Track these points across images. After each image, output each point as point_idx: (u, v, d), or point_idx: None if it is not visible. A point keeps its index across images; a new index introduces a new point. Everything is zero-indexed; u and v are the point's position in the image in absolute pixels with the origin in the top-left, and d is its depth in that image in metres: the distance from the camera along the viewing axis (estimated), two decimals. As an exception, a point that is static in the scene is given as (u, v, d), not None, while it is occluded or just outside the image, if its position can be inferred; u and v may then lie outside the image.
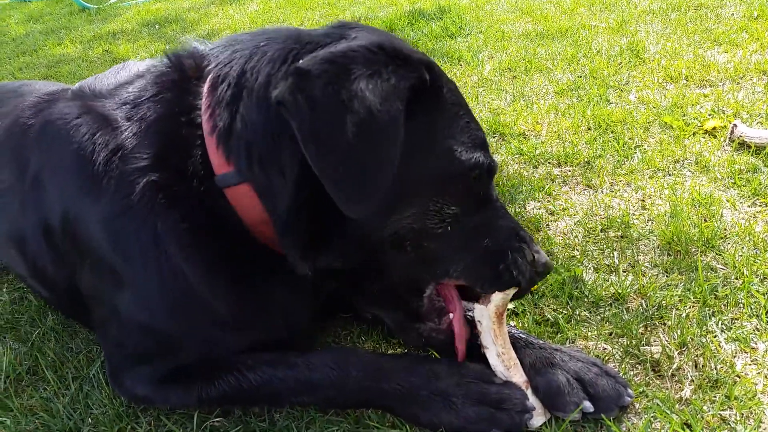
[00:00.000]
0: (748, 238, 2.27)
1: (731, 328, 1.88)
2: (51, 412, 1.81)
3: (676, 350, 1.81)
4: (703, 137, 3.08)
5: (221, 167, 1.53)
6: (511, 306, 2.04)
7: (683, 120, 3.24)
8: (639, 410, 1.64)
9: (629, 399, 1.62)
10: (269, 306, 1.72)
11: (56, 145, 1.74)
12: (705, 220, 2.41)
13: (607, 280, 2.15)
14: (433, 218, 1.50)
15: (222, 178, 1.53)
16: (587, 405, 1.59)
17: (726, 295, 2.00)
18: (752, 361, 1.77)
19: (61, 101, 1.87)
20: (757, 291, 2.00)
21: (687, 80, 3.77)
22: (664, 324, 1.93)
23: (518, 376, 1.63)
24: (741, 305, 1.96)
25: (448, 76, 1.61)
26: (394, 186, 1.36)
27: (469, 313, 1.73)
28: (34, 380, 1.97)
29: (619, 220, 2.47)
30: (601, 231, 2.44)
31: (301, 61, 1.42)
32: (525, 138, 3.28)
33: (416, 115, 1.42)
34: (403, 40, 1.64)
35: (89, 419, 1.77)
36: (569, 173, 2.89)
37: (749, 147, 2.88)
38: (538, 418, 1.60)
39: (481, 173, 1.54)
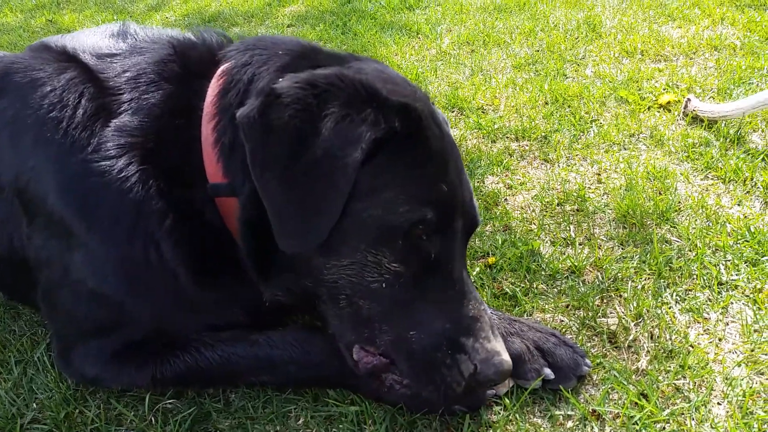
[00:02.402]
0: (701, 211, 2.30)
1: (685, 299, 1.90)
2: (-7, 398, 1.72)
3: (632, 322, 1.83)
4: (658, 111, 3.11)
5: (215, 177, 1.51)
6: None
7: (639, 94, 3.27)
8: (596, 381, 1.65)
9: (587, 369, 1.64)
10: (233, 301, 1.67)
11: (21, 87, 1.62)
12: (660, 194, 2.44)
13: (564, 253, 2.16)
14: (372, 271, 1.39)
15: (215, 188, 1.51)
16: (547, 372, 1.60)
17: (680, 267, 2.03)
18: (704, 330, 1.80)
19: (37, 50, 1.74)
20: (710, 262, 2.03)
21: (642, 55, 3.80)
22: (620, 296, 1.94)
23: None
24: (694, 277, 1.99)
25: (434, 115, 1.50)
26: (336, 229, 1.35)
27: None
28: (-26, 365, 1.88)
29: (575, 194, 2.48)
30: (558, 205, 2.45)
31: (280, 80, 1.40)
32: (483, 112, 3.27)
33: (372, 160, 1.35)
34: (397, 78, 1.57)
35: (34, 404, 1.69)
36: (527, 148, 2.89)
37: (702, 121, 2.92)
38: (501, 388, 1.60)
39: (426, 232, 1.39)
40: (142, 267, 1.55)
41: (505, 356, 1.42)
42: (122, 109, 1.56)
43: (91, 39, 1.76)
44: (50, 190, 1.56)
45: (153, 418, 1.62)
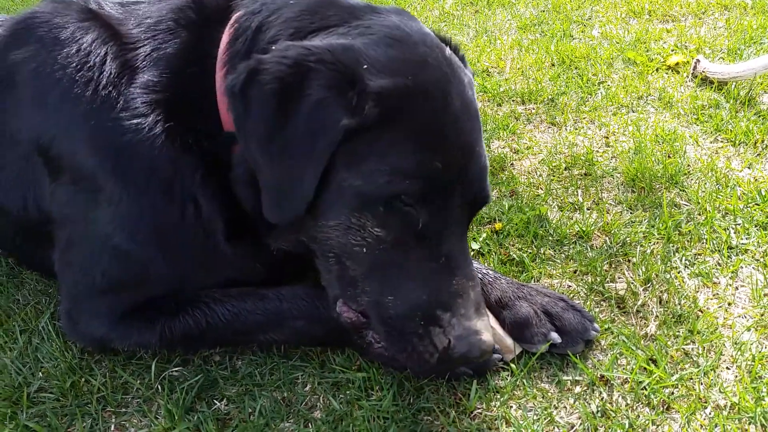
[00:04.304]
0: (710, 174, 2.27)
1: (694, 264, 1.88)
2: (-1, 367, 1.72)
3: (641, 287, 1.81)
4: (666, 73, 3.05)
5: (229, 125, 1.50)
6: (476, 246, 2.01)
7: (646, 56, 3.20)
8: (605, 347, 1.64)
9: (595, 333, 1.62)
10: (256, 257, 1.68)
11: (44, 44, 1.61)
12: (669, 157, 2.40)
13: (572, 218, 2.13)
14: (356, 234, 1.41)
15: (229, 137, 1.51)
16: (554, 336, 1.59)
17: (689, 231, 2.00)
18: (714, 295, 1.78)
19: (52, 3, 1.72)
20: (719, 226, 2.00)
21: (650, 15, 3.72)
22: (629, 261, 1.92)
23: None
24: (704, 241, 1.96)
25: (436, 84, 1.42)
26: (322, 195, 1.39)
27: None
28: (-21, 334, 1.88)
29: (582, 158, 2.44)
30: (565, 169, 2.41)
31: (272, 50, 1.41)
32: (489, 75, 3.21)
33: (352, 138, 1.34)
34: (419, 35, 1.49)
35: (40, 373, 1.69)
36: (533, 111, 2.84)
37: (711, 83, 2.87)
38: (508, 354, 1.59)
39: (410, 202, 1.37)
40: (176, 223, 1.57)
41: (485, 336, 1.39)
42: (144, 63, 1.57)
43: None
44: (80, 147, 1.57)
45: (159, 386, 1.62)
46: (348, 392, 1.56)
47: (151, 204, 1.56)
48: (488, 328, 1.42)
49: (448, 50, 1.54)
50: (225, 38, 1.56)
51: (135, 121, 1.53)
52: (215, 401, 1.58)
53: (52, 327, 1.80)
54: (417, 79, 1.39)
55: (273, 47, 1.43)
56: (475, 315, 1.40)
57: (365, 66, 1.36)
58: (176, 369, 1.67)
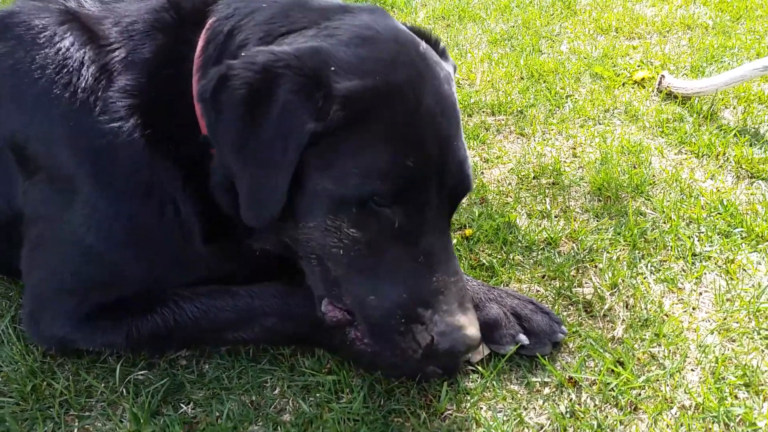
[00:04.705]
0: (675, 184, 2.32)
1: (660, 270, 1.92)
2: (-45, 371, 1.66)
3: (608, 291, 1.84)
4: (632, 87, 3.12)
5: (205, 129, 1.48)
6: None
7: (613, 70, 3.28)
8: (573, 349, 1.66)
9: (563, 335, 1.64)
10: (233, 258, 1.68)
11: (22, 42, 1.59)
12: (634, 167, 2.45)
13: (540, 225, 2.16)
14: (332, 236, 1.41)
15: (206, 140, 1.49)
16: (522, 338, 1.61)
17: (655, 238, 2.04)
18: (679, 300, 1.82)
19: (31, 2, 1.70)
20: (684, 234, 2.05)
21: (617, 32, 3.82)
22: (596, 266, 1.95)
23: None
24: (669, 248, 2.00)
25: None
26: (298, 197, 1.40)
27: None
28: (-65, 338, 1.81)
29: (551, 168, 2.47)
30: (534, 178, 2.44)
31: (242, 55, 1.42)
32: (460, 87, 3.24)
33: (319, 141, 1.35)
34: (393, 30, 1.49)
35: (-1, 377, 1.64)
36: (503, 122, 2.87)
37: (676, 97, 2.95)
38: (476, 356, 1.59)
39: (383, 203, 1.37)
40: (154, 226, 1.56)
41: (470, 330, 1.38)
42: (121, 66, 1.56)
43: None
44: (58, 147, 1.55)
45: (124, 390, 1.58)
46: (318, 395, 1.55)
47: (129, 206, 1.55)
48: (473, 322, 1.40)
49: (423, 45, 1.52)
50: (200, 42, 1.55)
51: (114, 125, 1.52)
52: (182, 405, 1.55)
53: (12, 330, 1.75)
54: (386, 78, 1.38)
55: (242, 52, 1.44)
56: (458, 310, 1.39)
57: (333, 68, 1.36)
58: (141, 372, 1.64)
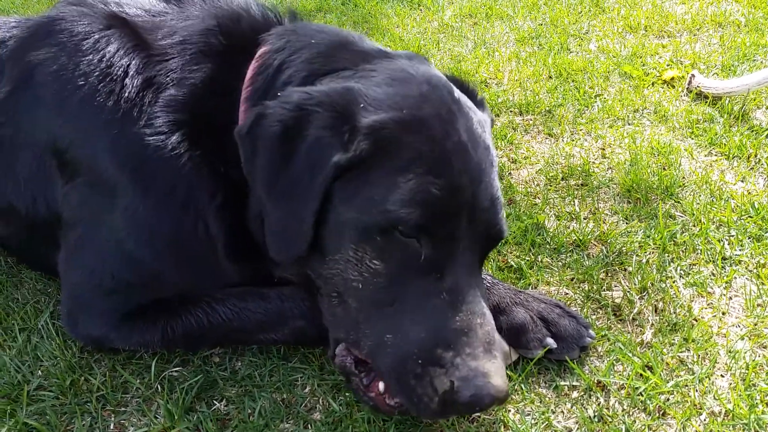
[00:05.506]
0: (705, 186, 2.30)
1: (689, 274, 1.91)
2: (-3, 365, 1.72)
3: (637, 295, 1.84)
4: (662, 87, 3.09)
5: None
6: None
7: (642, 70, 3.25)
8: (601, 353, 1.66)
9: (590, 339, 1.64)
10: (256, 275, 1.70)
11: (66, 49, 1.63)
12: (664, 169, 2.43)
13: (569, 227, 2.15)
14: (355, 268, 1.38)
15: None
16: (550, 341, 1.61)
17: (684, 241, 2.03)
18: (708, 304, 1.81)
19: (79, 4, 1.75)
20: (714, 237, 2.03)
21: (646, 30, 3.77)
22: (625, 270, 1.95)
23: None
24: (698, 251, 1.99)
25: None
26: (324, 231, 1.40)
27: None
28: (-23, 332, 1.87)
29: (579, 169, 2.47)
30: (562, 179, 2.44)
31: (279, 96, 1.46)
32: (487, 86, 3.24)
33: (345, 174, 1.36)
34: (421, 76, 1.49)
35: (39, 371, 1.69)
36: (531, 122, 2.87)
37: (706, 97, 2.91)
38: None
39: (409, 233, 1.33)
40: (188, 238, 1.61)
41: (495, 379, 1.26)
42: (168, 82, 1.60)
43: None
44: (101, 153, 1.60)
45: (159, 386, 1.62)
46: (348, 394, 1.57)
47: (168, 216, 1.60)
48: (500, 372, 1.28)
49: (457, 92, 1.52)
50: (250, 72, 1.60)
51: (158, 137, 1.56)
52: (215, 402, 1.59)
53: (52, 326, 1.81)
54: (413, 111, 1.39)
55: (280, 92, 1.50)
56: (483, 355, 1.29)
57: (362, 105, 1.38)
58: (176, 369, 1.68)
